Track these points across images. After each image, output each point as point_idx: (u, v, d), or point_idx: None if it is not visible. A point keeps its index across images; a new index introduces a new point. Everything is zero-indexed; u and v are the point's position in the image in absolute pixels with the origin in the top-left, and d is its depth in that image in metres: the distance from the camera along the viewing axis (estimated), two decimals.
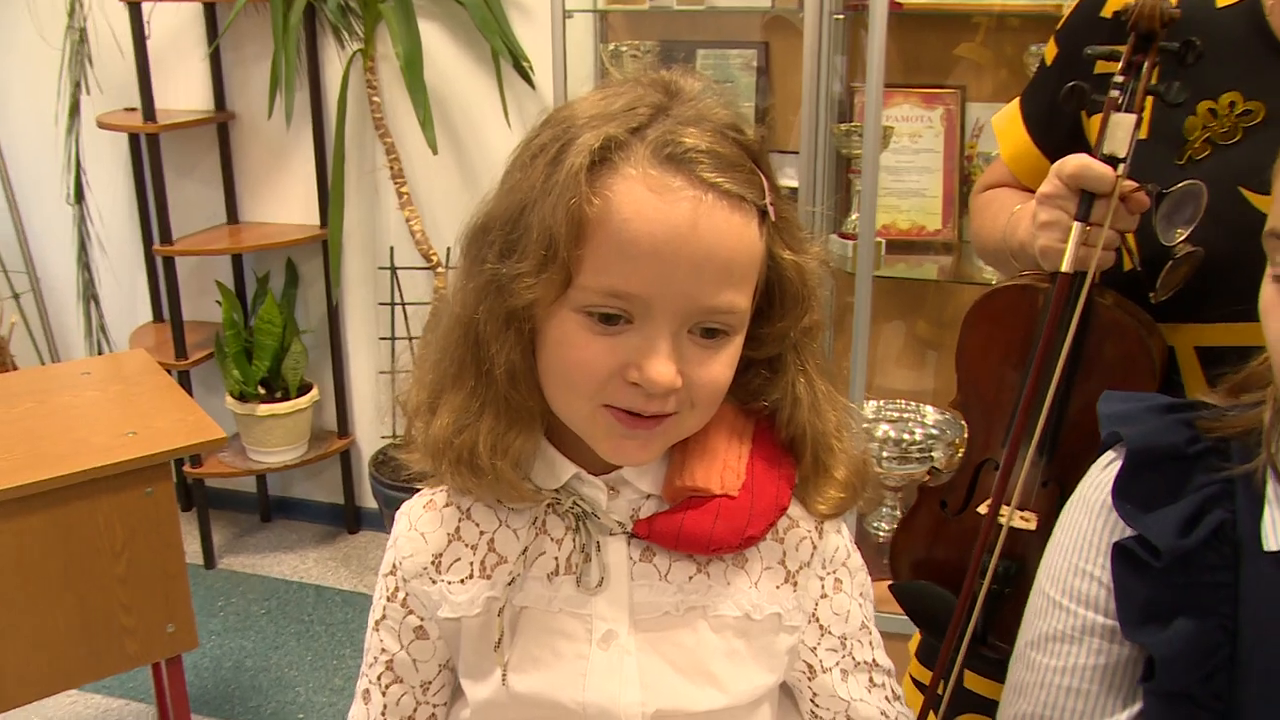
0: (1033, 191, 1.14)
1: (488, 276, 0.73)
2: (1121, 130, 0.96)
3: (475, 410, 0.76)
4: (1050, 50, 1.17)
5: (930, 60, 2.29)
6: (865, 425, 2.36)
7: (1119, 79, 0.98)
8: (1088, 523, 0.81)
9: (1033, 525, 1.06)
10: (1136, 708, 0.78)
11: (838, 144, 2.26)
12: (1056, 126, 1.15)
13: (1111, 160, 0.96)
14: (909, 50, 2.29)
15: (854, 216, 2.23)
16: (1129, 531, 0.77)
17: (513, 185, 0.73)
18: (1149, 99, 1.01)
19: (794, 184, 2.25)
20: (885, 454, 2.35)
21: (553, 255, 0.68)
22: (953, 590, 1.11)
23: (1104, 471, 0.82)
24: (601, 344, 0.70)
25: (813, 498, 0.81)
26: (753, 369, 0.80)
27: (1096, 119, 1.05)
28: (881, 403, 2.46)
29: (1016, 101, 1.23)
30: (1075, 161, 0.96)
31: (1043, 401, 0.99)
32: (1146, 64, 0.97)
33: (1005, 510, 1.04)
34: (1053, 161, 1.11)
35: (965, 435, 1.16)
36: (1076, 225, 0.97)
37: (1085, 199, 0.96)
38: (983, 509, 1.08)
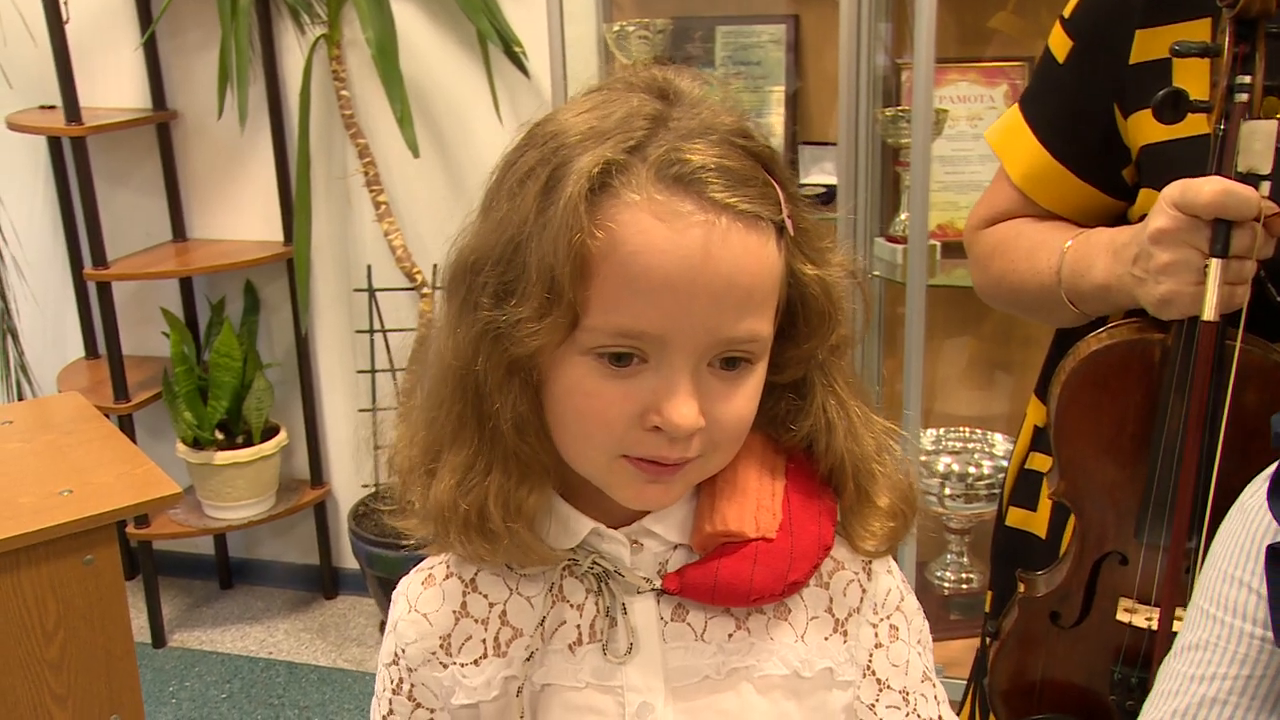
0: (1054, 216, 1.15)
1: (484, 324, 0.76)
2: (1260, 140, 0.94)
3: (481, 468, 0.79)
4: (1060, 42, 1.14)
5: (990, 29, 2.28)
6: (924, 458, 2.37)
7: (1244, 79, 0.95)
8: (1242, 528, 0.88)
9: None
10: None
11: (883, 132, 2.26)
12: (1083, 133, 1.13)
13: (1250, 178, 0.94)
14: (966, 17, 2.28)
15: (903, 216, 2.24)
16: None
17: (501, 217, 0.76)
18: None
19: (832, 180, 2.26)
20: (949, 491, 2.34)
21: (556, 297, 0.71)
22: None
23: (1266, 480, 0.87)
24: (616, 389, 0.74)
25: (858, 533, 0.84)
26: (776, 393, 0.83)
27: (1143, 116, 1.05)
28: (942, 431, 2.48)
29: (1014, 110, 1.21)
30: (1213, 187, 0.93)
31: (1208, 478, 0.98)
32: (1259, 56, 0.95)
33: (1134, 610, 1.06)
34: (1080, 175, 1.14)
35: (1074, 530, 1.14)
36: (1217, 263, 0.94)
37: (1222, 229, 0.93)
38: (1122, 615, 1.09)
